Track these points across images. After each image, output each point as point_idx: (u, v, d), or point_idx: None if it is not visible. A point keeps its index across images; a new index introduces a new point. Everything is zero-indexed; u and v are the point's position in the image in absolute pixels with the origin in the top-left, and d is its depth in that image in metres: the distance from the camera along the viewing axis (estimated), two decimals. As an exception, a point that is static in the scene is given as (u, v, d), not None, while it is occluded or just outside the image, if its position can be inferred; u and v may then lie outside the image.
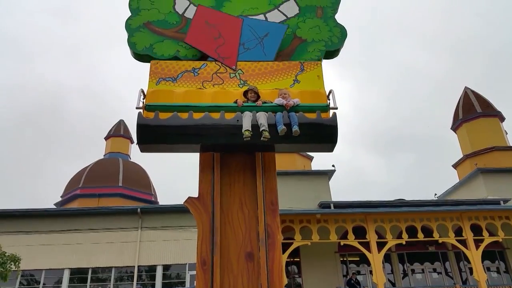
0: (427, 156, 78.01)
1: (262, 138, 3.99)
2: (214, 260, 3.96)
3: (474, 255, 15.69)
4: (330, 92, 4.48)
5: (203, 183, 4.39)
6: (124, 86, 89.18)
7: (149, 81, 4.59)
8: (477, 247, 15.90)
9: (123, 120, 34.68)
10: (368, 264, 17.24)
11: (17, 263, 12.50)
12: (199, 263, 3.99)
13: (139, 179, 29.91)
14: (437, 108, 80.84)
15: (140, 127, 4.10)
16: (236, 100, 4.26)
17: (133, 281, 18.82)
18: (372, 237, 15.90)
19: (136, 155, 36.13)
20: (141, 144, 4.17)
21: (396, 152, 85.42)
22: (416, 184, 73.05)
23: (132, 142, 34.25)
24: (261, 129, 4.00)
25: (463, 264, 19.08)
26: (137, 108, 4.26)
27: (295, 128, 4.01)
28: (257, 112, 4.14)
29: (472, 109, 27.15)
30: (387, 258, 18.53)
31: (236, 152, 4.49)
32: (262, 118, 4.07)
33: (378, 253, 15.67)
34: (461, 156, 27.26)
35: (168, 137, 4.14)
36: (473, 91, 28.20)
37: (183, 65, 4.70)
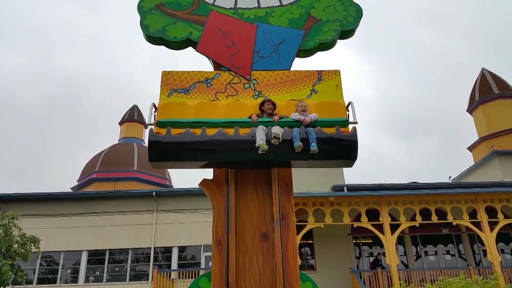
0: (446, 139, 77.11)
1: (272, 142, 3.82)
2: (230, 240, 4.02)
3: (489, 237, 15.61)
4: (349, 104, 4.25)
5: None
6: (143, 71, 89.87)
7: (160, 93, 4.39)
8: (492, 229, 15.81)
9: (136, 106, 34.98)
10: (381, 246, 17.29)
11: (37, 244, 12.88)
12: (215, 243, 4.06)
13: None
14: (456, 91, 79.52)
15: (152, 144, 3.95)
16: (251, 115, 4.07)
17: (149, 262, 19.25)
18: (385, 220, 15.92)
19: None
20: (152, 161, 4.05)
21: (417, 136, 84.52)
22: (435, 168, 72.46)
23: (146, 127, 34.54)
24: (272, 136, 3.83)
25: (476, 246, 19.00)
26: (148, 124, 4.10)
27: (314, 147, 3.82)
28: (272, 127, 3.93)
29: (489, 91, 26.57)
30: (400, 240, 18.55)
31: (251, 168, 4.30)
32: (276, 129, 3.88)
33: (392, 235, 15.71)
34: (476, 138, 26.87)
35: (181, 154, 4.00)
36: (490, 72, 27.55)
37: (195, 75, 4.49)
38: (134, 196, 20.73)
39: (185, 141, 3.93)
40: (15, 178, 65.55)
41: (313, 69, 4.61)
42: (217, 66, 4.68)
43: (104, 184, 27.99)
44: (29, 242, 12.62)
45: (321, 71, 4.54)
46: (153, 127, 4.07)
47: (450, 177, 26.79)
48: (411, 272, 16.46)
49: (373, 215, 16.12)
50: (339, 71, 4.54)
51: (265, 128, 3.91)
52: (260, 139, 3.81)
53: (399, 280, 13.91)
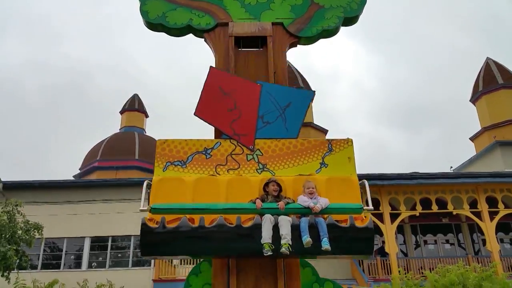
0: (449, 129, 76.93)
1: (281, 250, 3.37)
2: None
3: (488, 226, 15.70)
4: (362, 182, 3.96)
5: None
6: (146, 60, 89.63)
7: (155, 166, 4.07)
8: (492, 219, 15.89)
9: (137, 94, 34.86)
10: (381, 234, 17.41)
11: (40, 230, 13.00)
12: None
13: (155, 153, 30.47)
14: (459, 80, 79.19)
15: (144, 235, 3.56)
16: (255, 200, 3.62)
17: (151, 250, 19.43)
18: (385, 209, 16.01)
19: (150, 128, 36.56)
20: (145, 255, 3.74)
21: (419, 126, 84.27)
22: (437, 158, 72.43)
23: (147, 116, 34.56)
24: (282, 241, 3.38)
25: (476, 236, 19.10)
26: (141, 210, 3.67)
27: (326, 244, 3.40)
28: (278, 216, 3.51)
29: (493, 81, 26.37)
30: (400, 229, 18.65)
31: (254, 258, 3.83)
32: (285, 227, 3.44)
33: (391, 224, 15.81)
34: (479, 128, 26.79)
35: (177, 248, 3.63)
36: (495, 62, 27.29)
37: (193, 145, 4.08)
38: (135, 184, 20.82)
39: (181, 231, 3.53)
40: (19, 165, 65.94)
41: (323, 134, 4.21)
42: (218, 131, 4.31)
43: (106, 173, 28.10)
44: (32, 229, 12.74)
45: (332, 140, 4.15)
46: (146, 214, 3.66)
47: (451, 167, 26.83)
48: (410, 261, 16.60)
49: (373, 204, 16.17)
50: (351, 141, 4.13)
51: (272, 219, 3.50)
52: (267, 236, 3.41)
53: (398, 267, 14.03)
